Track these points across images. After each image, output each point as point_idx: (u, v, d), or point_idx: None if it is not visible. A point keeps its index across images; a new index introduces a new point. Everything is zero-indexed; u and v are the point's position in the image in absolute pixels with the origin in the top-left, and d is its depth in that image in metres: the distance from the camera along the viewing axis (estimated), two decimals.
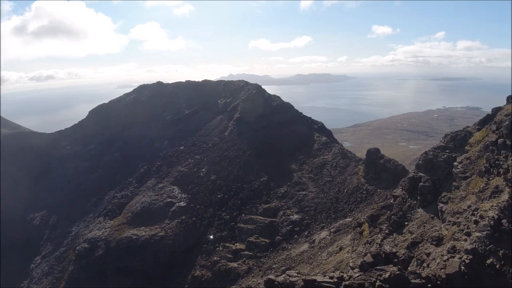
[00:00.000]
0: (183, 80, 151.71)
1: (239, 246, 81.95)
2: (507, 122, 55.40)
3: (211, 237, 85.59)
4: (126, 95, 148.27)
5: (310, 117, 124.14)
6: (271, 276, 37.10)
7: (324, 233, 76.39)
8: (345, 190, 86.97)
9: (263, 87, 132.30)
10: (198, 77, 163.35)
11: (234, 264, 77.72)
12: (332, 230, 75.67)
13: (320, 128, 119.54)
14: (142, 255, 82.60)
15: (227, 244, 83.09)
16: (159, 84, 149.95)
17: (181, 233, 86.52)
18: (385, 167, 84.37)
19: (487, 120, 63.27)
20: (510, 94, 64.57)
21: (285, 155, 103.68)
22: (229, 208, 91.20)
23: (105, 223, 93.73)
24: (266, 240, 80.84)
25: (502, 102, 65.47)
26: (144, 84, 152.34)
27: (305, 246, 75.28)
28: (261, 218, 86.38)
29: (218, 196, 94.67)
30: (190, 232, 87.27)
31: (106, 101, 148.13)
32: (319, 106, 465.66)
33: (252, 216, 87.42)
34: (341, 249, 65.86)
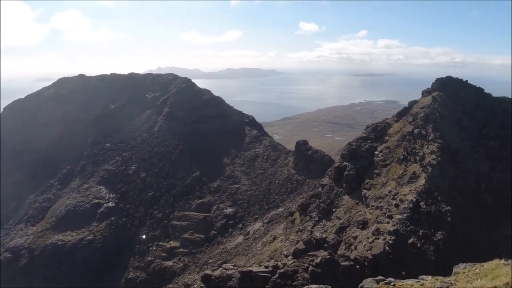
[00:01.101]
0: (108, 73, 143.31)
1: (173, 244, 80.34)
2: (422, 114, 60.96)
3: (144, 236, 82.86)
4: (45, 89, 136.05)
5: (241, 111, 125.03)
6: (208, 271, 37.01)
7: (258, 224, 77.80)
8: (277, 182, 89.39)
9: (193, 80, 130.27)
10: (124, 70, 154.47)
11: (169, 263, 76.10)
12: (265, 221, 77.42)
13: (251, 121, 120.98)
14: (70, 261, 77.30)
15: (160, 243, 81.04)
16: (82, 77, 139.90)
17: (111, 235, 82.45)
18: (313, 158, 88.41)
19: (404, 112, 69.14)
20: (425, 89, 71.12)
21: (217, 149, 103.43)
22: (161, 206, 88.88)
23: (27, 229, 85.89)
24: (201, 236, 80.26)
25: (417, 96, 71.88)
26: (64, 77, 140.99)
27: (240, 239, 76.03)
28: (195, 213, 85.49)
29: (149, 194, 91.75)
30: (121, 233, 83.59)
31: (23, 96, 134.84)
32: (250, 100, 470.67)
33: (186, 213, 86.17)
34: (274, 238, 67.60)
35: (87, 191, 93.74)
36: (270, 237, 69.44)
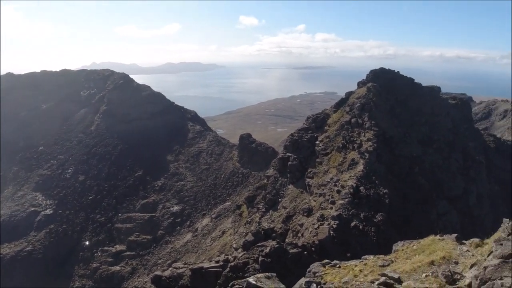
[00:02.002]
0: (38, 70, 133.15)
1: (119, 247, 77.41)
2: (358, 104, 64.18)
3: (87, 243, 78.91)
4: None
5: (183, 107, 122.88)
6: (158, 272, 36.26)
7: (206, 220, 77.40)
8: (222, 176, 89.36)
9: (131, 76, 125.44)
10: (56, 67, 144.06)
11: (117, 268, 73.28)
12: (213, 216, 77.24)
13: (193, 117, 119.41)
14: (10, 275, 71.33)
15: (105, 248, 77.69)
16: (10, 76, 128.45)
17: (51, 244, 77.44)
18: (257, 151, 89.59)
19: (341, 103, 72.24)
20: (360, 80, 74.72)
21: (159, 147, 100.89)
22: (103, 209, 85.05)
23: None
24: (148, 237, 78.15)
25: (353, 87, 75.35)
26: None
27: (188, 236, 75.16)
28: (140, 214, 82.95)
29: (90, 197, 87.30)
30: (62, 241, 78.84)
31: None
32: (191, 95, 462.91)
33: (130, 214, 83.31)
34: (223, 233, 67.71)
35: (22, 199, 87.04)
36: (219, 231, 69.45)
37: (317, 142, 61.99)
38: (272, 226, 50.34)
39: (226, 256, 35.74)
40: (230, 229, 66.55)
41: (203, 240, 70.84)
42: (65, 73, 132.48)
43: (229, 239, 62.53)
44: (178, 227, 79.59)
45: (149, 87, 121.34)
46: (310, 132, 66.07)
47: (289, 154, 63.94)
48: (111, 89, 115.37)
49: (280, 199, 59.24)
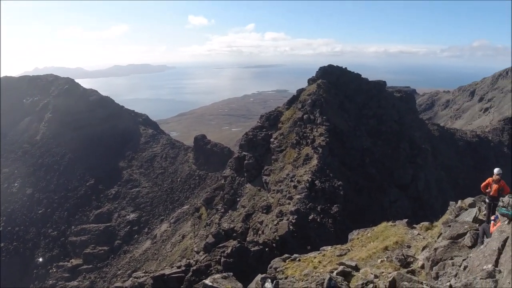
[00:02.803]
0: None
1: (75, 261, 73.79)
2: (309, 101, 65.72)
3: (41, 259, 74.55)
4: None
5: (134, 110, 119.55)
6: (118, 284, 34.95)
7: (164, 226, 75.81)
8: (179, 179, 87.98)
9: (76, 81, 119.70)
10: None
11: (74, 283, 69.85)
12: (171, 221, 75.80)
13: (145, 120, 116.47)
14: None
15: (61, 263, 73.82)
16: None
17: (3, 264, 72.37)
18: (213, 152, 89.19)
19: (293, 100, 73.62)
20: (310, 77, 76.46)
21: (111, 153, 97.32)
22: (55, 223, 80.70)
23: None
24: (105, 248, 75.17)
25: (304, 84, 77.00)
26: None
27: (147, 244, 73.25)
28: (95, 225, 79.62)
29: (39, 211, 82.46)
30: (14, 259, 73.93)
31: None
32: (142, 98, 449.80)
33: (84, 226, 79.72)
34: (183, 237, 66.67)
35: None
36: (179, 236, 68.33)
37: (272, 139, 62.73)
38: (232, 226, 50.28)
39: (188, 261, 35.21)
40: (190, 232, 65.70)
41: (163, 247, 69.34)
42: (5, 79, 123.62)
43: (189, 243, 61.72)
44: (136, 235, 77.33)
45: (96, 91, 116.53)
46: (264, 130, 66.72)
47: (245, 153, 64.20)
48: (56, 95, 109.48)
49: (238, 199, 59.33)
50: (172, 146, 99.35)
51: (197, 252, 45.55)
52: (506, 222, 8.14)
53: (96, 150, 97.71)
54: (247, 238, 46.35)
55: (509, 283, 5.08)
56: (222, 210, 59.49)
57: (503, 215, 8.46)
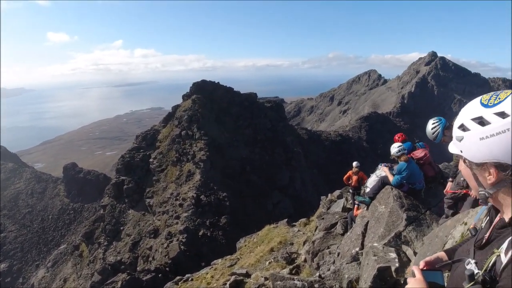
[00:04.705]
0: None
1: None
2: (185, 116, 65.69)
3: None
4: None
5: None
6: None
7: (41, 272, 67.17)
8: (50, 217, 79.06)
9: None
10: None
11: None
12: (49, 265, 67.63)
13: (3, 153, 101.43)
14: None
15: None
16: None
17: None
18: (86, 180, 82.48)
19: (169, 117, 72.71)
20: (185, 93, 76.49)
21: None
22: None
23: None
24: None
25: (179, 100, 76.59)
26: None
27: None
28: None
29: None
30: None
31: None
32: None
33: None
34: (65, 281, 59.81)
35: None
36: (60, 281, 61.05)
37: (151, 160, 60.85)
38: (119, 258, 47.04)
39: None
40: (72, 274, 59.29)
41: None
42: None
43: (73, 286, 55.65)
44: None
45: None
46: (142, 150, 64.34)
47: (123, 177, 60.86)
48: None
49: (122, 228, 55.88)
50: (38, 179, 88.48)
51: None
52: (366, 208, 9.37)
53: None
54: (138, 268, 43.91)
55: (367, 264, 5.87)
56: (106, 243, 55.25)
57: (361, 202, 9.73)
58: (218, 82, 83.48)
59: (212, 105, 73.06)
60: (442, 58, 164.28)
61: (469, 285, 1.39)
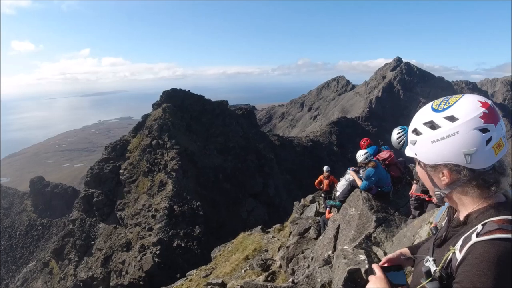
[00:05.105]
0: None
1: None
2: (156, 126, 64.81)
3: None
4: None
5: None
6: None
7: None
8: (18, 233, 76.06)
9: None
10: None
11: None
12: (18, 283, 65.34)
13: None
14: None
15: None
16: None
17: None
18: (54, 194, 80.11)
19: (139, 127, 71.51)
20: (155, 102, 75.57)
21: None
22: None
23: None
24: None
25: (148, 109, 75.55)
26: None
27: None
28: None
29: None
30: None
31: None
32: None
33: None
34: None
35: None
36: None
37: (121, 171, 59.58)
38: (91, 274, 45.66)
39: None
40: None
41: None
42: None
43: None
44: None
45: None
46: (111, 162, 62.91)
47: (92, 190, 59.25)
48: None
49: (93, 242, 54.29)
50: (4, 194, 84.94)
51: None
52: (337, 212, 9.56)
53: None
54: (111, 283, 42.75)
55: (338, 267, 6.00)
56: (76, 259, 53.53)
57: (331, 206, 9.93)
58: (189, 91, 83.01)
59: (183, 113, 72.54)
60: (407, 63, 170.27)
61: (426, 281, 1.43)
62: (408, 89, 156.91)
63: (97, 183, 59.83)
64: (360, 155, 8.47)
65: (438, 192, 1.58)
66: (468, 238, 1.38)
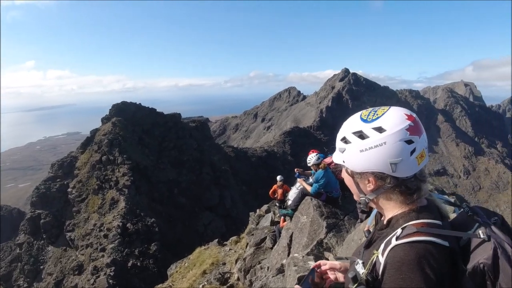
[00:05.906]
0: None
1: None
2: (106, 141, 62.51)
3: None
4: None
5: None
6: None
7: None
8: None
9: None
10: None
11: None
12: None
13: None
14: None
15: None
16: None
17: None
18: None
19: (88, 142, 68.64)
20: (104, 116, 72.94)
21: None
22: None
23: None
24: None
25: (97, 124, 72.74)
26: None
27: None
28: None
29: None
30: None
31: None
32: None
33: None
34: None
35: None
36: None
37: (69, 189, 56.82)
38: None
39: None
40: None
41: None
42: None
43: None
44: None
45: None
46: (58, 180, 59.89)
47: (39, 211, 55.99)
48: None
49: (42, 266, 51.21)
50: None
51: None
52: (290, 220, 9.78)
53: None
54: None
55: (289, 274, 6.16)
56: (25, 285, 50.30)
57: (284, 215, 10.15)
58: (140, 103, 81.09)
59: (134, 127, 70.63)
60: (354, 74, 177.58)
61: (354, 286, 1.49)
62: (356, 98, 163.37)
63: (44, 203, 56.61)
64: (313, 157, 8.79)
65: (363, 198, 1.68)
66: (389, 242, 1.44)
